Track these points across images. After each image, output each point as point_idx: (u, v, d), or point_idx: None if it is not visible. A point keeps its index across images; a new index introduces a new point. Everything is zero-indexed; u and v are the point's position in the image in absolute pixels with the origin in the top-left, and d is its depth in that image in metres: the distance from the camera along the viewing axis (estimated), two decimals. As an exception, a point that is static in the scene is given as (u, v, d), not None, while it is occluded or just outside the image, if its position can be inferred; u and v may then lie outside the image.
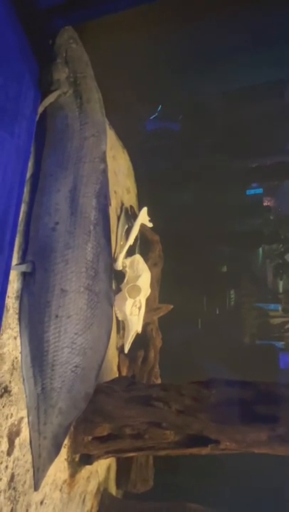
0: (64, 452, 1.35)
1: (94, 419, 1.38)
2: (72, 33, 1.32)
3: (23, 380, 1.16)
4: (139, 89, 1.81)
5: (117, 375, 1.91)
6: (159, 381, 2.10)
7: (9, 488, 1.08)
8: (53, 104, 1.27)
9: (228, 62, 1.73)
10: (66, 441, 1.35)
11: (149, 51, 1.58)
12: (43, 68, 1.28)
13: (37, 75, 1.27)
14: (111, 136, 1.99)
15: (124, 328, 2.00)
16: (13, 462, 1.10)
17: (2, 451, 1.06)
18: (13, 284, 1.16)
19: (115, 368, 1.94)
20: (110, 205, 1.40)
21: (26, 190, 1.22)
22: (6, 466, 1.08)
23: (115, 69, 1.49)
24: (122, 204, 2.18)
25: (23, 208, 1.19)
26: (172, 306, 2.25)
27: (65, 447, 1.35)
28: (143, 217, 2.19)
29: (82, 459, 1.45)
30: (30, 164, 1.24)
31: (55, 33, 1.30)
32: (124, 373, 1.96)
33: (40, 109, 1.26)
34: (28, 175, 1.23)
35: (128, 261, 2.00)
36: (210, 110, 2.27)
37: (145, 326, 2.10)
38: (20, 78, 1.20)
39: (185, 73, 1.78)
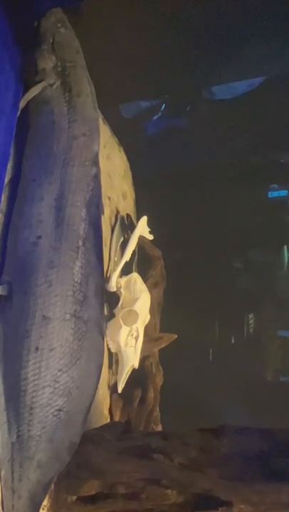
0: (43, 515, 1.36)
1: (80, 475, 1.39)
2: (61, 16, 1.40)
3: (-5, 425, 1.17)
4: (140, 77, 1.87)
5: (109, 420, 1.92)
6: (159, 428, 2.11)
7: None
8: (37, 97, 1.33)
9: (253, 45, 1.80)
10: (45, 502, 1.35)
11: (155, 32, 1.65)
12: (26, 56, 1.35)
13: (19, 63, 1.34)
14: (105, 132, 2.05)
15: (117, 363, 2.02)
16: (-19, 527, 1.11)
17: None
18: (-14, 310, 1.19)
19: (106, 412, 1.95)
20: (103, 214, 1.45)
21: (4, 197, 1.27)
22: (-27, 532, 1.09)
23: (111, 57, 1.55)
24: (118, 212, 2.22)
25: (-1, 218, 1.23)
26: (176, 336, 2.27)
27: (43, 509, 1.36)
28: (142, 228, 2.22)
29: (64, 524, 1.45)
30: (9, 167, 1.28)
31: (41, 15, 1.37)
32: (117, 418, 1.97)
33: (22, 104, 1.32)
34: (7, 180, 1.28)
35: (123, 281, 2.03)
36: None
37: (143, 359, 2.11)
38: (-2, 67, 1.26)
39: (199, 56, 1.85)
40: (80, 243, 1.29)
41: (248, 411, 2.35)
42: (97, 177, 1.36)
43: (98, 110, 1.47)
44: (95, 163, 1.37)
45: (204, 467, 1.35)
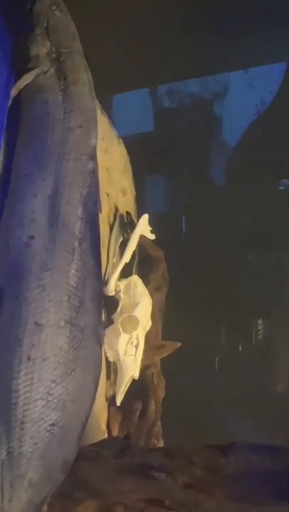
0: (35, 539, 1.36)
1: (75, 495, 1.39)
2: (56, -3, 1.40)
3: (-16, 441, 1.17)
4: (140, 64, 1.88)
5: (106, 436, 1.92)
6: (161, 443, 2.10)
7: None
8: (29, 86, 1.33)
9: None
10: (38, 524, 1.35)
11: (156, 15, 1.66)
12: (18, 41, 1.35)
13: (10, 49, 1.34)
14: (103, 123, 2.05)
15: (116, 373, 2.02)
16: None
17: None
18: (-26, 316, 1.19)
19: (104, 426, 1.95)
20: (101, 211, 1.45)
21: (-7, 194, 1.27)
22: None
23: (111, 42, 1.55)
24: (116, 210, 2.22)
25: (-12, 217, 1.23)
26: (180, 344, 2.27)
27: (36, 532, 1.36)
28: (143, 227, 2.22)
29: None
30: (-2, 162, 1.29)
31: (35, -3, 1.38)
32: (115, 433, 1.97)
33: (14, 92, 1.33)
34: (-4, 175, 1.28)
35: (123, 284, 2.03)
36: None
37: (144, 369, 2.11)
38: (-12, 53, 1.26)
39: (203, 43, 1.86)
40: (76, 244, 1.29)
41: (257, 425, 2.35)
42: (94, 172, 1.36)
43: (96, 100, 1.47)
44: (93, 157, 1.37)
45: (210, 487, 1.35)
